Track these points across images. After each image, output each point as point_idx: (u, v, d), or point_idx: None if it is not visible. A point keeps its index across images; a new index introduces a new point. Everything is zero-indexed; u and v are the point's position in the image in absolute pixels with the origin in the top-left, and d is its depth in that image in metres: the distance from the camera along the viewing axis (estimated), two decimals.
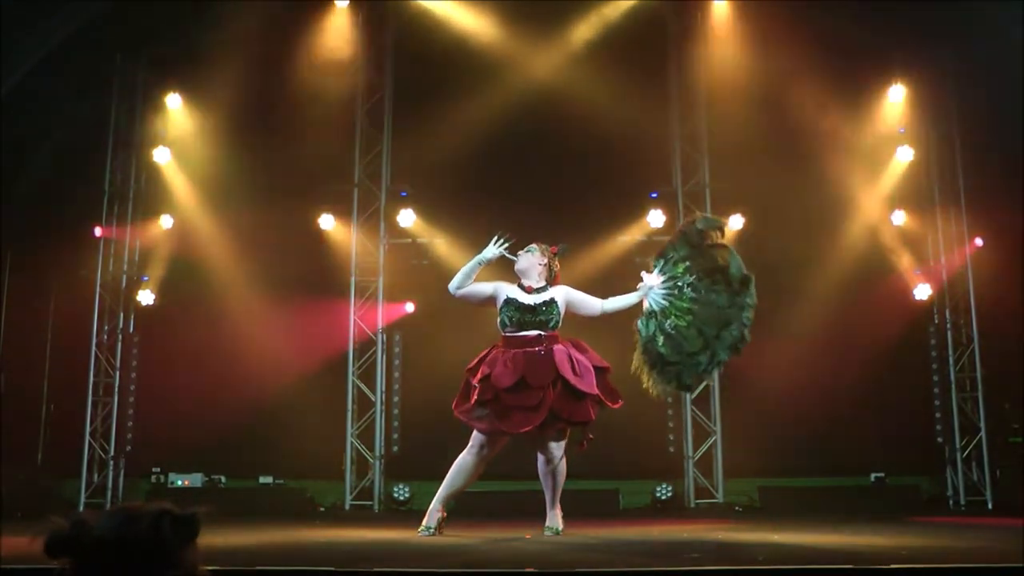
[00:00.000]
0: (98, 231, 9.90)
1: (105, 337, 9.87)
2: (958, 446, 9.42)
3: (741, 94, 9.52)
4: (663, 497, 9.20)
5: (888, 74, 9.83)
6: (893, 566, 3.43)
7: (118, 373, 9.78)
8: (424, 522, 5.49)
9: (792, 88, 9.30)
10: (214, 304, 9.55)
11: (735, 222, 9.45)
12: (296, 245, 9.73)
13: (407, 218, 9.82)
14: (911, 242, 9.82)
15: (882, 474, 9.21)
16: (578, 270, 9.03)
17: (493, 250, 5.64)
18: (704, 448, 9.45)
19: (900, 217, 9.77)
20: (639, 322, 5.47)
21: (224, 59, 9.46)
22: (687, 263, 5.45)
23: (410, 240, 10.01)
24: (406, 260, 10.01)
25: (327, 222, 9.93)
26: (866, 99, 9.86)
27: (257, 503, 8.85)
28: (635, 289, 5.54)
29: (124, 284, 10.02)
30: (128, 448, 9.75)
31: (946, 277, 9.76)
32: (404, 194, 9.92)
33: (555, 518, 5.57)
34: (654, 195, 9.83)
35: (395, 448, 9.81)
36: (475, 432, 5.46)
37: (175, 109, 10.10)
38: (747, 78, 9.56)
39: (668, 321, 5.38)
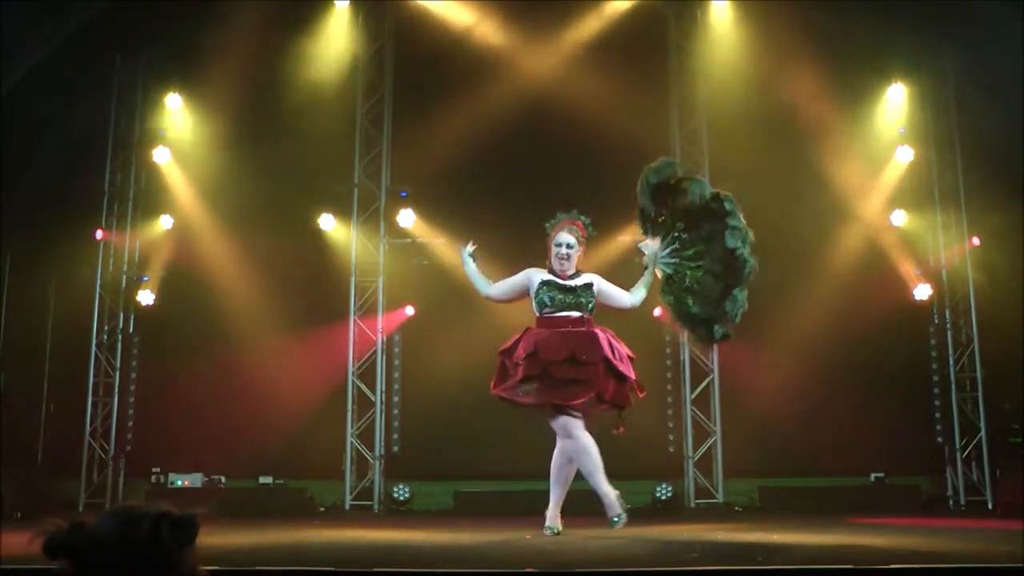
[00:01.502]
0: (99, 234, 9.90)
1: (105, 337, 9.87)
2: (958, 446, 9.42)
3: (741, 94, 9.52)
4: (663, 497, 9.20)
5: (888, 74, 9.84)
6: (893, 566, 3.43)
7: (118, 373, 9.79)
8: (610, 513, 5.28)
9: (792, 88, 9.31)
10: (214, 304, 9.55)
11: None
12: (296, 245, 9.73)
13: (407, 218, 9.82)
14: (911, 242, 9.82)
15: (882, 474, 9.21)
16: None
17: (465, 253, 5.64)
18: (704, 448, 9.45)
19: (900, 217, 9.77)
20: (661, 294, 5.48)
21: (224, 59, 9.47)
22: (667, 214, 5.46)
23: (410, 240, 10.01)
24: (406, 260, 10.01)
25: (327, 222, 9.93)
26: (866, 99, 9.87)
27: (257, 503, 8.85)
28: (642, 269, 5.52)
29: (124, 284, 10.02)
30: (128, 448, 9.75)
31: (946, 277, 9.76)
32: (404, 194, 9.92)
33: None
34: None
35: (395, 448, 9.81)
36: (552, 423, 5.28)
37: (175, 109, 10.10)
38: (747, 78, 9.56)
39: (686, 279, 5.39)
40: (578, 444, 5.26)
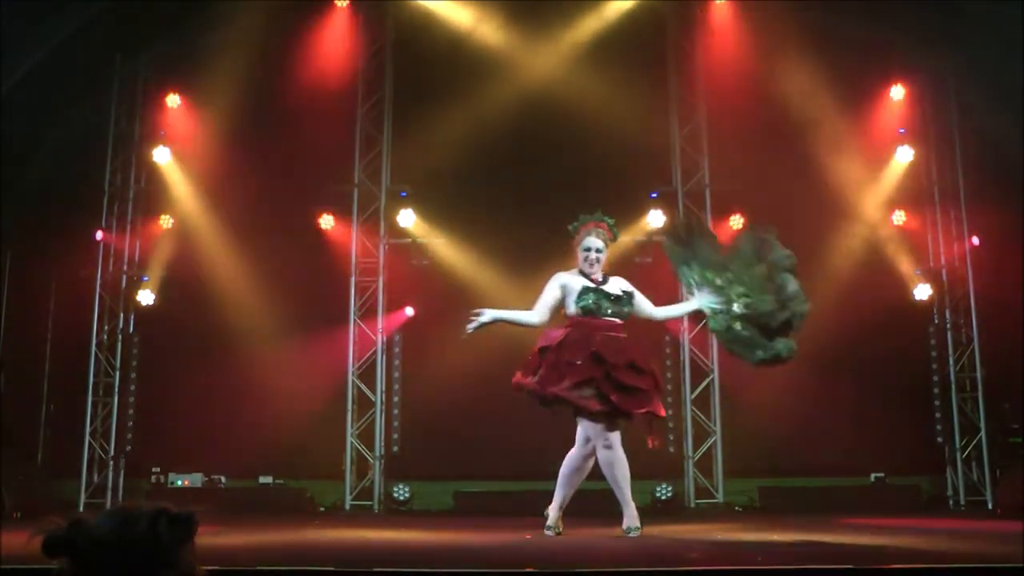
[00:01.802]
0: (99, 235, 9.90)
1: (105, 337, 9.87)
2: (958, 446, 9.42)
3: (741, 94, 9.51)
4: (663, 497, 9.20)
5: (888, 74, 9.83)
6: (893, 566, 3.43)
7: (118, 373, 9.78)
8: (628, 523, 5.28)
9: (792, 88, 9.30)
10: (214, 304, 9.54)
11: (735, 222, 9.46)
12: (296, 245, 9.73)
13: (407, 218, 9.82)
14: (911, 242, 9.81)
15: (882, 474, 9.21)
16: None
17: (486, 318, 5.44)
18: (704, 448, 9.45)
19: (900, 217, 9.76)
20: (710, 325, 5.51)
21: (224, 59, 9.46)
22: (711, 268, 5.49)
23: (410, 240, 10.00)
24: (406, 260, 10.01)
25: (327, 222, 9.93)
26: (866, 99, 9.86)
27: (257, 503, 8.85)
28: (685, 298, 5.56)
29: (124, 284, 10.02)
30: (128, 448, 9.74)
31: (946, 277, 9.76)
32: (404, 194, 9.92)
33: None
34: (654, 195, 9.83)
35: (395, 448, 9.81)
36: (587, 428, 5.24)
37: (175, 109, 10.10)
38: (747, 78, 9.56)
39: (734, 306, 5.37)
40: (618, 454, 5.24)
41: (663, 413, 5.37)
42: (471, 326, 5.38)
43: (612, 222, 5.53)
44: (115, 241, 10.02)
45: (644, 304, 5.52)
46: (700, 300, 5.49)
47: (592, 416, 5.18)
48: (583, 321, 5.26)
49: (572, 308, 5.32)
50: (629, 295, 5.37)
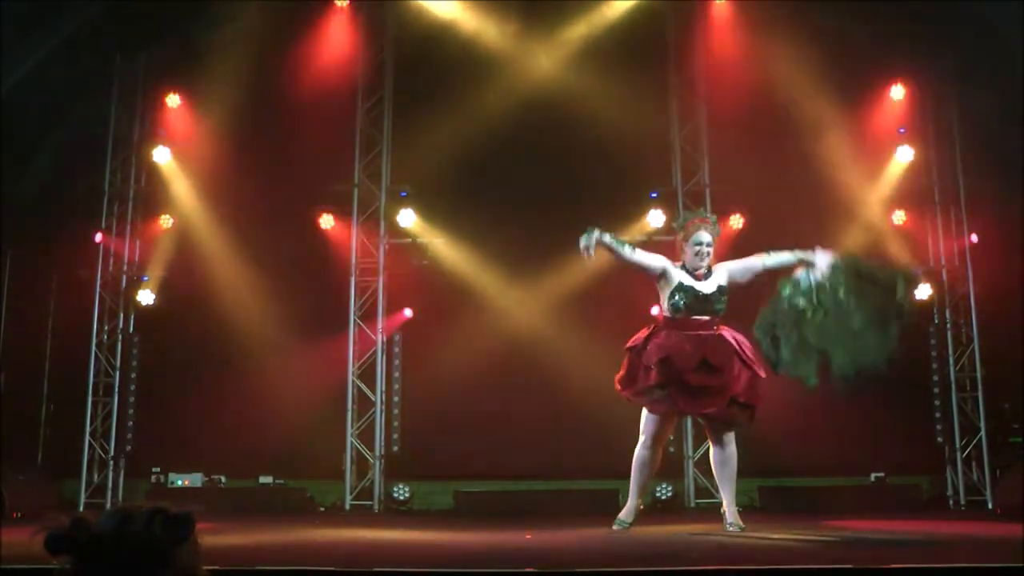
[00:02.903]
0: (99, 237, 9.89)
1: (105, 337, 9.86)
2: (958, 446, 9.41)
3: (741, 94, 9.51)
4: (663, 497, 9.20)
5: (888, 74, 9.83)
6: (893, 566, 3.43)
7: (118, 373, 9.78)
8: (622, 515, 5.60)
9: (792, 88, 9.30)
10: (214, 304, 9.54)
11: (735, 222, 9.46)
12: (296, 245, 9.73)
13: (407, 218, 9.82)
14: (911, 242, 9.81)
15: (882, 474, 9.20)
16: (578, 270, 9.04)
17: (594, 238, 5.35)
18: (704, 448, 9.43)
19: (900, 217, 9.76)
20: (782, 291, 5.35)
21: (224, 59, 9.45)
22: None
23: (410, 240, 10.00)
24: (406, 260, 10.01)
25: (327, 222, 9.93)
26: (866, 99, 9.86)
27: (257, 503, 8.85)
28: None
29: (124, 284, 10.02)
30: (128, 448, 9.74)
31: (946, 277, 9.76)
32: (404, 194, 9.92)
33: (736, 515, 5.53)
34: (654, 195, 9.82)
35: (395, 448, 9.81)
36: (645, 424, 5.47)
37: (175, 109, 10.10)
38: (747, 78, 9.55)
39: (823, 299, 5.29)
40: (732, 450, 5.56)
41: (753, 397, 5.39)
42: (588, 247, 5.32)
43: (715, 218, 5.72)
44: (115, 241, 10.02)
45: (747, 268, 5.55)
46: (814, 263, 5.36)
47: (662, 416, 5.47)
48: (670, 322, 5.44)
49: (664, 302, 5.49)
50: (721, 291, 5.45)
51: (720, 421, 5.49)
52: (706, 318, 5.42)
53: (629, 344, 5.48)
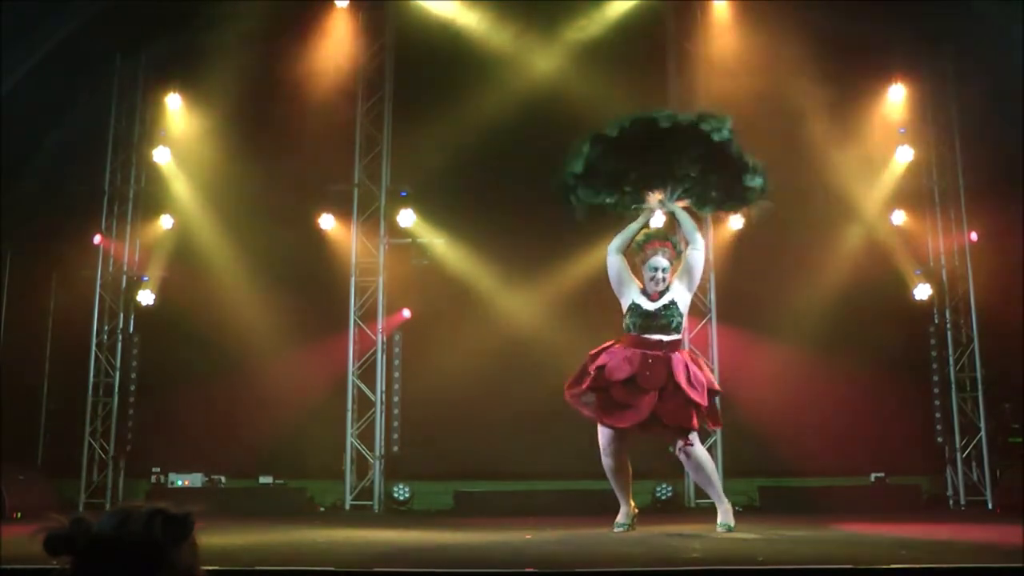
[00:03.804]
0: (97, 239, 9.89)
1: (105, 337, 9.86)
2: (958, 446, 9.41)
3: (741, 94, 9.50)
4: (663, 497, 9.19)
5: (888, 74, 9.83)
6: (893, 566, 3.43)
7: (118, 373, 9.78)
8: (618, 519, 5.77)
9: (792, 88, 9.30)
10: (214, 304, 9.54)
11: (735, 222, 9.45)
12: (296, 245, 9.73)
13: (407, 218, 9.82)
14: (911, 242, 9.81)
15: (882, 474, 9.20)
16: (578, 270, 9.05)
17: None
18: (704, 447, 9.43)
19: (900, 217, 9.76)
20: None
21: (224, 59, 9.46)
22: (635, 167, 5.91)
23: (410, 240, 10.00)
24: (406, 260, 10.01)
25: (327, 222, 9.93)
26: (866, 99, 9.86)
27: (257, 503, 8.85)
28: (671, 220, 5.92)
29: (124, 284, 10.02)
30: (128, 448, 9.74)
31: (946, 277, 9.76)
32: (404, 194, 9.91)
33: (727, 513, 5.62)
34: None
35: (395, 448, 9.81)
36: (600, 434, 5.62)
37: (175, 109, 10.10)
38: (747, 78, 9.54)
39: (709, 190, 5.85)
40: (698, 452, 5.65)
41: (682, 421, 5.49)
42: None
43: (676, 240, 5.81)
44: (114, 242, 10.02)
45: (692, 264, 5.74)
46: (665, 204, 5.86)
47: (589, 420, 5.66)
48: (628, 336, 5.60)
49: (624, 320, 5.69)
50: (671, 304, 5.59)
51: (672, 437, 5.60)
52: (658, 337, 5.52)
53: (591, 351, 5.67)
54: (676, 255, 5.72)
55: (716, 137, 5.70)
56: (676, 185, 5.81)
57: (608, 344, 5.65)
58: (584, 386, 5.48)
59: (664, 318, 5.55)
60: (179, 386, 9.50)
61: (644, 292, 5.64)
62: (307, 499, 9.27)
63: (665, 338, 5.52)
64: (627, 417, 5.40)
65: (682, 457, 5.63)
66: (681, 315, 5.62)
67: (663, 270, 5.60)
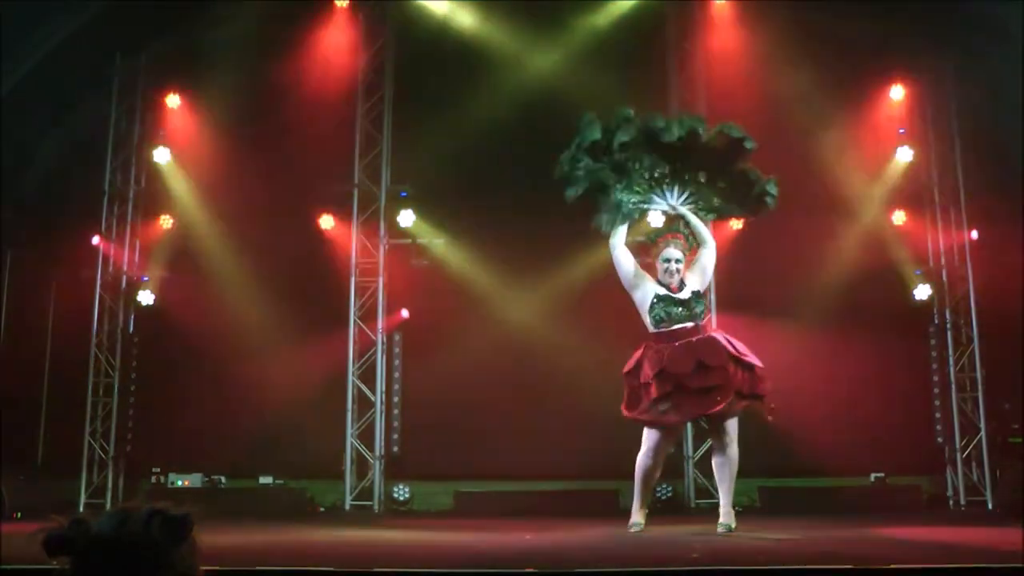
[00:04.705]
0: (96, 239, 9.89)
1: (105, 337, 9.86)
2: (958, 446, 9.41)
3: (741, 94, 9.50)
4: (663, 497, 9.20)
5: (888, 74, 9.83)
6: (893, 566, 3.43)
7: (118, 373, 9.78)
8: (633, 519, 5.63)
9: (792, 88, 9.29)
10: (214, 304, 9.54)
11: (734, 222, 9.45)
12: (296, 245, 9.73)
13: (407, 218, 9.82)
14: (911, 242, 9.81)
15: (882, 474, 9.20)
16: (578, 270, 9.05)
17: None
18: (704, 448, 9.43)
19: (900, 217, 9.76)
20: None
21: (224, 59, 9.46)
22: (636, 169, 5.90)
23: (410, 240, 10.00)
24: (406, 260, 10.01)
25: (327, 222, 9.93)
26: (866, 99, 9.86)
27: (257, 503, 8.85)
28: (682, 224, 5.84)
29: (124, 284, 10.02)
30: (128, 448, 9.74)
31: (946, 277, 9.76)
32: (404, 194, 9.91)
33: (730, 515, 5.57)
34: None
35: (395, 448, 9.81)
36: (647, 434, 5.54)
37: (175, 109, 10.10)
38: (747, 78, 9.55)
39: (713, 199, 5.92)
40: (734, 452, 5.59)
41: (757, 389, 5.52)
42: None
43: (687, 232, 5.80)
44: (114, 243, 10.02)
45: (704, 262, 5.75)
46: (674, 208, 5.86)
47: (673, 426, 5.58)
48: (658, 335, 5.52)
49: (647, 319, 5.61)
50: (697, 295, 5.60)
51: (728, 418, 5.50)
52: (691, 324, 5.49)
53: (625, 369, 5.58)
54: (688, 247, 5.73)
55: (748, 145, 5.80)
56: (684, 188, 5.82)
57: (638, 354, 5.55)
58: (653, 396, 5.35)
59: (695, 307, 5.53)
60: (179, 386, 9.51)
61: (661, 284, 5.59)
62: (307, 499, 9.27)
63: (698, 325, 5.52)
64: (717, 399, 5.29)
65: (719, 451, 5.54)
66: (704, 307, 5.66)
67: (676, 261, 5.60)
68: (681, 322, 5.48)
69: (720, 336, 5.52)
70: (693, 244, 5.78)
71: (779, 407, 8.95)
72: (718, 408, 5.33)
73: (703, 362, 5.32)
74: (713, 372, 5.32)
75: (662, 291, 5.54)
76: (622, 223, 5.76)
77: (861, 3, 9.33)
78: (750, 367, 5.42)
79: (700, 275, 5.70)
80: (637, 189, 5.82)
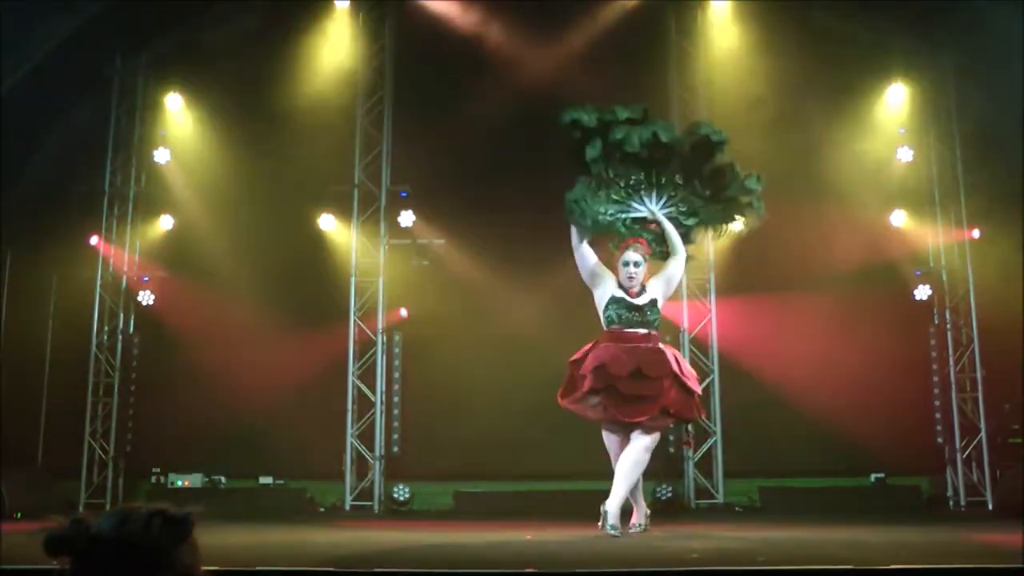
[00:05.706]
0: (94, 239, 9.89)
1: (105, 337, 9.86)
2: (958, 446, 9.41)
3: (741, 94, 9.51)
4: (663, 497, 9.20)
5: (888, 74, 9.83)
6: (893, 566, 3.43)
7: (118, 373, 9.78)
8: (638, 520, 5.71)
9: (792, 88, 9.30)
10: (214, 304, 9.54)
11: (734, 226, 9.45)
12: (296, 245, 9.73)
13: (407, 218, 9.82)
14: (911, 242, 9.81)
15: (882, 474, 9.21)
16: (578, 270, 9.03)
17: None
18: (704, 448, 9.44)
19: (900, 217, 9.76)
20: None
21: (224, 59, 9.47)
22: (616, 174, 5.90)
23: (410, 240, 10.00)
24: (406, 260, 10.01)
25: (327, 222, 9.93)
26: (866, 99, 9.86)
27: (257, 503, 8.85)
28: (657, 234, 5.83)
29: (124, 284, 10.02)
30: (128, 448, 9.74)
31: (946, 277, 9.76)
32: (404, 194, 9.91)
33: (615, 515, 5.43)
34: None
35: (395, 448, 9.81)
36: (606, 440, 5.62)
37: (175, 109, 10.10)
38: (747, 78, 9.55)
39: (695, 205, 5.88)
40: (640, 443, 5.48)
41: (686, 412, 5.54)
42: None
43: (651, 238, 5.81)
44: (114, 243, 10.02)
45: (670, 274, 5.75)
46: (653, 214, 5.84)
47: (605, 424, 5.60)
48: (610, 333, 5.56)
49: (601, 316, 5.65)
50: (652, 303, 5.60)
51: (646, 431, 5.48)
52: (642, 331, 5.53)
53: (572, 358, 5.60)
54: (650, 253, 5.73)
55: (715, 138, 5.75)
56: (661, 192, 5.83)
57: (588, 347, 5.58)
58: (585, 388, 5.41)
59: (648, 314, 5.55)
60: (179, 386, 9.51)
61: (620, 286, 5.62)
62: (307, 499, 9.28)
63: (650, 333, 5.54)
64: (643, 410, 5.33)
65: (636, 441, 5.45)
66: (658, 316, 5.64)
67: (635, 264, 5.59)
68: (633, 327, 5.52)
69: (669, 352, 5.55)
70: (657, 251, 5.78)
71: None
72: (639, 419, 5.37)
73: (641, 370, 5.36)
74: (648, 383, 5.36)
75: (619, 293, 5.58)
76: (597, 231, 5.78)
77: (861, 3, 9.33)
78: (689, 391, 5.46)
79: (665, 284, 5.71)
80: (615, 198, 5.81)
